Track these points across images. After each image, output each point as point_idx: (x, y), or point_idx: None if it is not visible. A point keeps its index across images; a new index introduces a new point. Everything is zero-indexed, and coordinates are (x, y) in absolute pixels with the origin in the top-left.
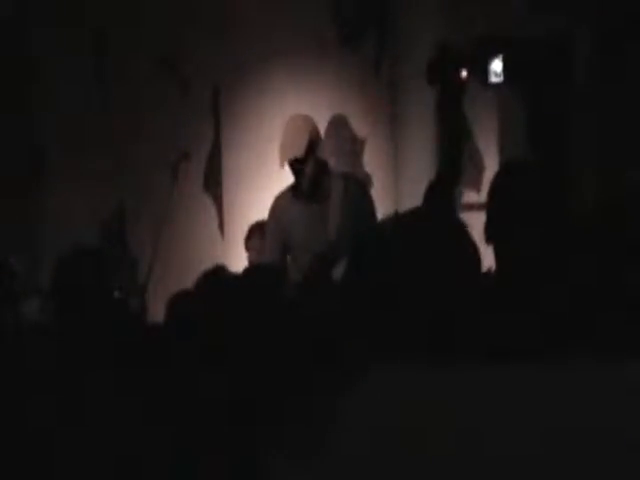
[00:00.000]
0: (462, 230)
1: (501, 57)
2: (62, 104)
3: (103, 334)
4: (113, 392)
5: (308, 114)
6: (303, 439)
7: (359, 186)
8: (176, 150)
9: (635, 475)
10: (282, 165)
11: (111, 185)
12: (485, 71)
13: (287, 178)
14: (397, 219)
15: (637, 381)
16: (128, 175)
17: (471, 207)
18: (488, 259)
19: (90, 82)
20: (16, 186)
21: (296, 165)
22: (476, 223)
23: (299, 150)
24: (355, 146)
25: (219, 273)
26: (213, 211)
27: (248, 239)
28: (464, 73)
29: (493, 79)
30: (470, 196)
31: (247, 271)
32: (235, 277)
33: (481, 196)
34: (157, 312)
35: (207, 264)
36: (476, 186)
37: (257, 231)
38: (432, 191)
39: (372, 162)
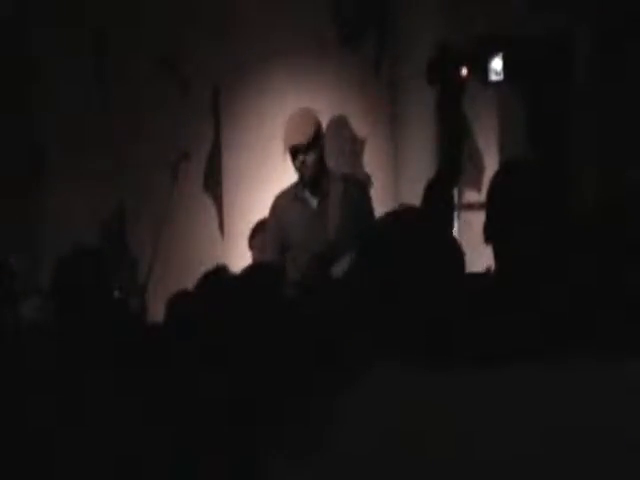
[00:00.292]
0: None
1: (501, 56)
2: (62, 104)
3: (103, 334)
4: (113, 392)
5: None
6: (303, 439)
7: (358, 186)
8: (176, 150)
9: (635, 475)
10: (285, 151)
11: (111, 185)
12: (485, 70)
13: (287, 178)
14: (395, 218)
15: (637, 381)
16: (128, 175)
17: (471, 207)
18: (488, 259)
19: (90, 82)
20: (16, 186)
21: (299, 154)
22: (476, 223)
23: (305, 137)
24: (355, 146)
25: (219, 273)
26: (213, 211)
27: (252, 237)
28: (464, 72)
29: (493, 78)
30: (470, 196)
31: (246, 271)
32: (235, 277)
33: (481, 196)
34: (157, 312)
35: (207, 264)
36: (476, 186)
37: (261, 229)
38: (431, 190)
39: (372, 162)
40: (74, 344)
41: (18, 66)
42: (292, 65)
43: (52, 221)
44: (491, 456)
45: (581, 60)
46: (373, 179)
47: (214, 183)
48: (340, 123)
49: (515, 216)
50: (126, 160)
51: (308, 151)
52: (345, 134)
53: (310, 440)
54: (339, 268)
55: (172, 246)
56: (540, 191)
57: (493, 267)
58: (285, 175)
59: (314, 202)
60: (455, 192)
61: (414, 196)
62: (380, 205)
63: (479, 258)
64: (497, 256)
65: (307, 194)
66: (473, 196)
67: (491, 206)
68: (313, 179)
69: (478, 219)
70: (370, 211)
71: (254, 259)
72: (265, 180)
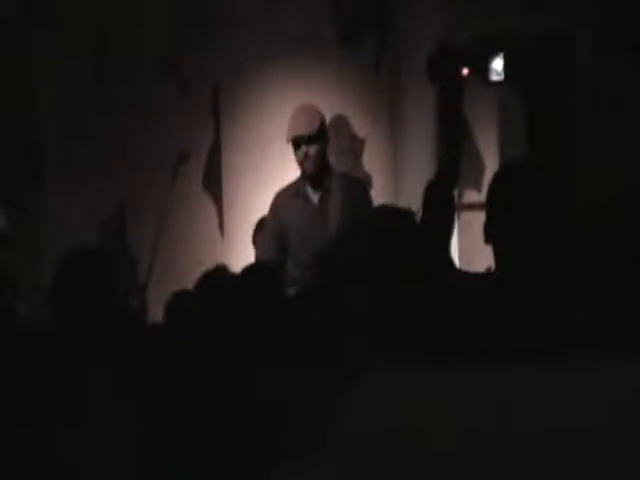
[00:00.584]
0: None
1: (502, 56)
2: (62, 104)
3: (103, 334)
4: (113, 392)
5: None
6: (303, 439)
7: (359, 185)
8: (176, 150)
9: (635, 475)
10: (288, 142)
11: (111, 185)
12: (486, 69)
13: (287, 178)
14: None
15: (637, 381)
16: (128, 175)
17: (471, 207)
18: (488, 259)
19: (90, 82)
20: (16, 186)
21: (302, 145)
22: (476, 223)
23: (310, 127)
24: (355, 146)
25: (219, 273)
26: (213, 211)
27: (255, 234)
28: (465, 71)
29: (494, 77)
30: (470, 196)
31: (245, 271)
32: (233, 277)
33: (481, 196)
34: (157, 312)
35: (207, 264)
36: (476, 186)
37: (263, 226)
38: (431, 191)
39: (372, 162)
40: (74, 344)
41: (18, 66)
42: (292, 65)
43: (52, 221)
44: (491, 455)
45: (581, 61)
46: (373, 179)
47: (214, 183)
48: (340, 123)
49: (515, 216)
50: (126, 160)
51: (311, 143)
52: (345, 134)
53: (311, 440)
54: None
55: (172, 246)
56: (540, 191)
57: (493, 267)
58: (285, 175)
59: (315, 198)
60: (455, 192)
61: (414, 196)
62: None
63: (479, 258)
64: (497, 256)
65: (308, 189)
66: (473, 196)
67: (491, 206)
68: (315, 173)
69: (478, 219)
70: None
71: (256, 256)
72: (265, 180)
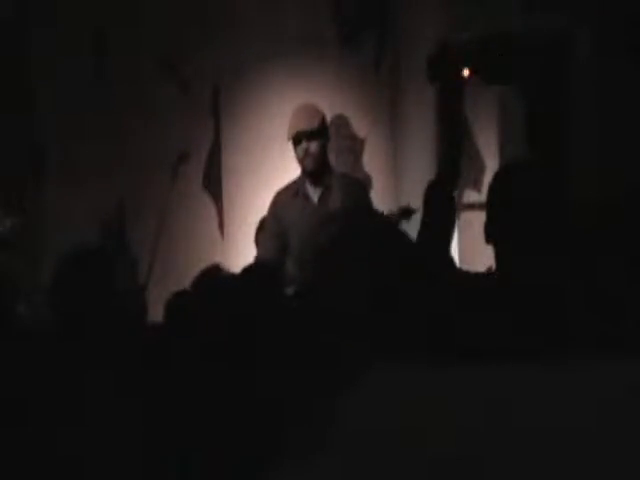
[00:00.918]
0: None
1: (502, 56)
2: (62, 104)
3: (103, 334)
4: (113, 392)
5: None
6: (303, 439)
7: (359, 185)
8: (176, 150)
9: (635, 475)
10: (289, 137)
11: (111, 185)
12: (487, 70)
13: (287, 178)
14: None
15: (637, 381)
16: (128, 175)
17: (471, 207)
18: (488, 259)
19: (90, 82)
20: (16, 186)
21: (303, 140)
22: (476, 223)
23: (311, 123)
24: (355, 146)
25: (215, 272)
26: (213, 211)
27: (258, 234)
28: (466, 72)
29: (494, 78)
30: (470, 196)
31: (245, 269)
32: (232, 276)
33: (481, 196)
34: (157, 312)
35: (207, 264)
36: (476, 186)
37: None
38: (432, 190)
39: (372, 162)
40: (73, 344)
41: (18, 66)
42: (292, 65)
43: (52, 221)
44: (490, 454)
45: (581, 61)
46: (373, 179)
47: (214, 183)
48: (340, 123)
49: (515, 216)
50: (126, 160)
51: (312, 139)
52: (345, 134)
53: (311, 440)
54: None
55: (172, 246)
56: (540, 191)
57: (493, 267)
58: (285, 175)
59: (315, 197)
60: (455, 192)
61: (414, 196)
62: (380, 205)
63: (479, 258)
64: (497, 256)
65: (308, 188)
66: (473, 196)
67: (491, 206)
68: (315, 170)
69: (478, 219)
70: (370, 211)
71: (256, 256)
72: (265, 180)
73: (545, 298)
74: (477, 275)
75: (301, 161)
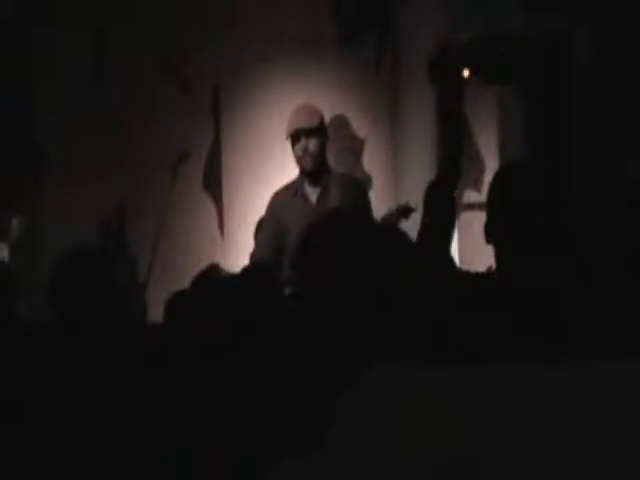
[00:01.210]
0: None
1: (502, 56)
2: (62, 104)
3: (103, 334)
4: (113, 392)
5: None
6: (303, 439)
7: (358, 186)
8: (176, 150)
9: (635, 475)
10: (288, 135)
11: (111, 185)
12: (487, 70)
13: (287, 178)
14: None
15: (637, 381)
16: (128, 175)
17: (471, 207)
18: (488, 259)
19: (90, 82)
20: (16, 186)
21: (301, 138)
22: (476, 223)
23: (310, 121)
24: (355, 146)
25: (213, 272)
26: (213, 211)
27: (257, 233)
28: (466, 72)
29: (494, 78)
30: (470, 196)
31: (242, 270)
32: (230, 276)
33: (481, 196)
34: (157, 312)
35: (207, 264)
36: (476, 186)
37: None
38: (432, 191)
39: (372, 162)
40: (73, 344)
41: (18, 66)
42: (292, 65)
43: (52, 221)
44: (490, 454)
45: (581, 61)
46: (373, 179)
47: (214, 183)
48: (340, 123)
49: (515, 216)
50: (126, 160)
51: (311, 137)
52: (345, 134)
53: (311, 440)
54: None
55: (172, 246)
56: (540, 191)
57: (493, 267)
58: (285, 175)
59: (314, 197)
60: (455, 192)
61: (414, 196)
62: (380, 205)
63: (479, 258)
64: (497, 256)
65: (307, 187)
66: (473, 196)
67: (491, 206)
68: (313, 169)
69: (478, 219)
70: (368, 210)
71: (252, 256)
72: (265, 180)
73: (545, 298)
74: (477, 275)
75: (299, 160)
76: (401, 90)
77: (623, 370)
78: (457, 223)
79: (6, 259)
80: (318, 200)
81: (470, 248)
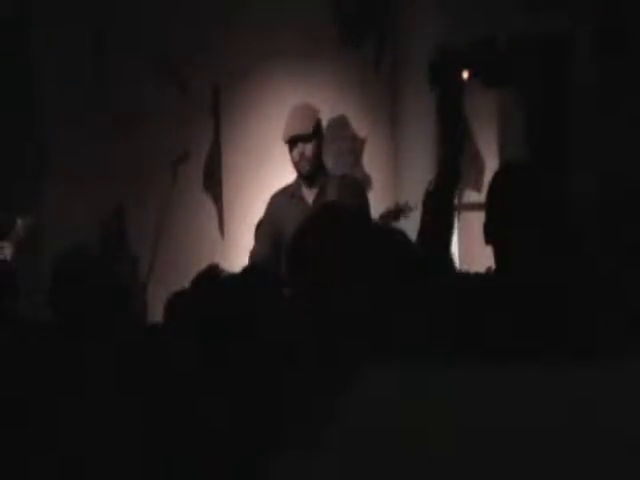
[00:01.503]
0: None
1: (502, 58)
2: (62, 104)
3: (103, 334)
4: (113, 392)
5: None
6: (303, 439)
7: (355, 186)
8: (176, 150)
9: (635, 475)
10: (285, 141)
11: (111, 185)
12: (486, 72)
13: (287, 178)
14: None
15: (637, 381)
16: (128, 175)
17: (471, 207)
18: (488, 259)
19: (90, 82)
20: (16, 185)
21: (298, 143)
22: (476, 223)
23: (305, 127)
24: (355, 146)
25: (213, 272)
26: (213, 211)
27: (257, 233)
28: (465, 75)
29: (494, 80)
30: (470, 196)
31: (243, 270)
32: (229, 276)
33: (481, 196)
34: (157, 312)
35: (207, 264)
36: (476, 186)
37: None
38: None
39: (372, 162)
40: (73, 344)
41: (18, 66)
42: (292, 65)
43: (52, 221)
44: (491, 454)
45: (581, 61)
46: (373, 179)
47: (214, 183)
48: (340, 123)
49: (515, 216)
50: (126, 160)
51: (307, 142)
52: (345, 134)
53: (311, 440)
54: None
55: (172, 246)
56: (540, 191)
57: (493, 267)
58: (285, 175)
59: (310, 198)
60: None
61: (414, 196)
62: (380, 205)
63: (479, 258)
64: (497, 256)
65: (304, 189)
66: (473, 196)
67: (491, 206)
68: (311, 173)
69: (478, 219)
70: (367, 211)
71: (250, 257)
72: (265, 180)
73: (544, 298)
74: (477, 275)
75: (296, 164)
76: (401, 90)
77: (623, 371)
78: (457, 223)
79: (9, 258)
80: (314, 201)
81: (470, 248)
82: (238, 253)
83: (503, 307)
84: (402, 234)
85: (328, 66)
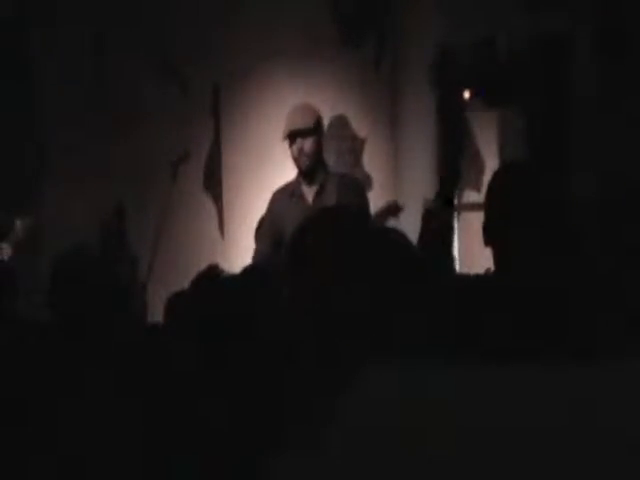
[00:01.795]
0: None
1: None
2: (62, 104)
3: (103, 334)
4: (113, 392)
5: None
6: (303, 439)
7: (356, 186)
8: (176, 150)
9: (636, 476)
10: (284, 135)
11: (111, 185)
12: (488, 93)
13: (287, 178)
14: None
15: (637, 381)
16: (128, 175)
17: (471, 207)
18: (488, 259)
19: (90, 82)
20: (16, 186)
21: (298, 138)
22: (476, 223)
23: (306, 122)
24: (355, 146)
25: (212, 272)
26: (213, 211)
27: (257, 231)
28: (466, 94)
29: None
30: (470, 196)
31: (243, 270)
32: (229, 276)
33: (481, 196)
34: (157, 312)
35: (207, 264)
36: (476, 186)
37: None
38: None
39: (372, 162)
40: (73, 344)
41: (18, 65)
42: (292, 65)
43: (52, 221)
44: (492, 455)
45: (581, 61)
46: (373, 179)
47: (214, 183)
48: (340, 123)
49: (515, 216)
50: (126, 160)
51: (307, 137)
52: (345, 134)
53: (310, 440)
54: None
55: (172, 246)
56: (540, 192)
57: (492, 268)
58: (285, 175)
59: (310, 195)
60: (456, 193)
61: (414, 196)
62: (380, 205)
63: (479, 258)
64: (497, 257)
65: (303, 187)
66: (473, 196)
67: (491, 206)
68: (310, 169)
69: (478, 219)
70: (366, 210)
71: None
72: (265, 180)
73: (544, 298)
74: (476, 276)
75: (296, 160)
76: (401, 90)
77: (623, 371)
78: (457, 223)
79: (7, 259)
80: (314, 199)
81: (470, 248)
82: (238, 253)
83: (503, 307)
84: (401, 235)
85: (328, 66)
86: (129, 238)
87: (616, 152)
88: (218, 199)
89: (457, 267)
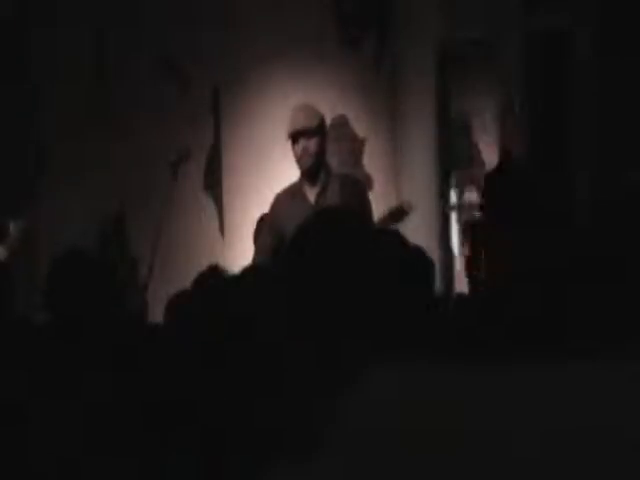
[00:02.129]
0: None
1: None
2: (62, 104)
3: (103, 334)
4: (112, 392)
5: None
6: (303, 439)
7: (356, 186)
8: (176, 150)
9: (636, 476)
10: (289, 134)
11: (111, 185)
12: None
13: (287, 178)
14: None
15: (637, 381)
16: (128, 175)
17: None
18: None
19: (90, 82)
20: (16, 186)
21: (301, 138)
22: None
23: (309, 122)
24: (355, 146)
25: (213, 272)
26: (213, 211)
27: (256, 233)
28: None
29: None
30: (470, 196)
31: (242, 270)
32: (230, 276)
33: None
34: (157, 312)
35: (207, 264)
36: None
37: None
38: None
39: (372, 162)
40: (73, 345)
41: (18, 66)
42: (292, 65)
43: (52, 221)
44: (492, 455)
45: (581, 59)
46: (373, 179)
47: (214, 183)
48: (340, 123)
49: (514, 216)
50: (126, 160)
51: (311, 137)
52: (345, 134)
53: (311, 440)
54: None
55: (172, 246)
56: (539, 191)
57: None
58: (285, 175)
59: (312, 196)
60: (455, 192)
61: (414, 196)
62: (380, 205)
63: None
64: (495, 257)
65: (306, 187)
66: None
67: (490, 206)
68: (313, 169)
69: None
70: (368, 211)
71: (253, 257)
72: (265, 180)
73: (544, 299)
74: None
75: (299, 160)
76: (401, 90)
77: (623, 371)
78: (457, 223)
79: (3, 261)
80: (316, 200)
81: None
82: (238, 253)
83: (502, 307)
84: (401, 236)
85: (328, 66)
86: (129, 238)
87: (616, 152)
88: (218, 199)
89: (457, 267)
